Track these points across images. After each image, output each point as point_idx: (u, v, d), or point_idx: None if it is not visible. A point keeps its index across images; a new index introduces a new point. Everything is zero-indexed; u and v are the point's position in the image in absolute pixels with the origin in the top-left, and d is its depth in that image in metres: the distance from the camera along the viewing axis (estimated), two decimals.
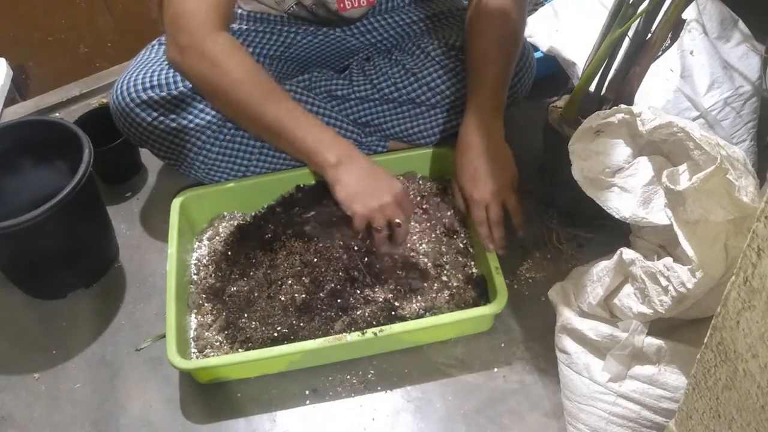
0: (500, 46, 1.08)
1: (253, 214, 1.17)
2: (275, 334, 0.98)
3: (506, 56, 1.08)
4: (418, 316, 1.00)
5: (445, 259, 1.07)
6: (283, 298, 1.02)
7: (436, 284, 1.04)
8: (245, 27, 1.17)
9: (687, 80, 1.12)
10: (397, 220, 0.99)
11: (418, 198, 1.16)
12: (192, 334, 1.02)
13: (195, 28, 0.97)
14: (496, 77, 1.07)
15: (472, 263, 1.08)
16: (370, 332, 0.95)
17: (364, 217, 0.98)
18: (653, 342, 0.83)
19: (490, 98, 1.06)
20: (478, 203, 1.03)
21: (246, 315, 1.01)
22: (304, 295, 1.01)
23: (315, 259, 1.05)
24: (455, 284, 1.04)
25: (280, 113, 0.99)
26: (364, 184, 0.98)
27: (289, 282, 1.03)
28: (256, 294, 1.03)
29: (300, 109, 1.01)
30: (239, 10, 1.18)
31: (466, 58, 1.12)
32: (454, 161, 1.08)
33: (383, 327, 0.96)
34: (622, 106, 0.89)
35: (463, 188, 1.06)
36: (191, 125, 1.10)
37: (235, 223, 1.16)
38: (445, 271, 1.06)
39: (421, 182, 1.19)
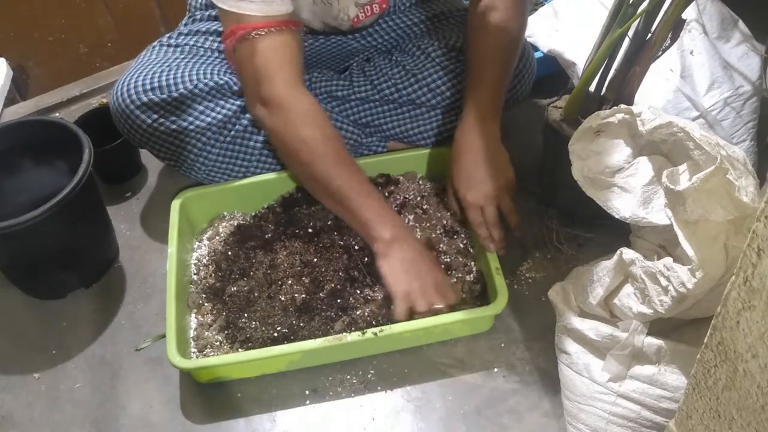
0: (500, 49, 1.08)
1: (253, 214, 1.17)
2: (275, 334, 0.98)
3: (506, 59, 1.08)
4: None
5: (445, 259, 1.07)
6: (283, 298, 1.02)
7: None
8: None
9: (687, 80, 1.12)
10: (438, 306, 0.97)
11: (419, 198, 1.16)
12: (192, 333, 1.02)
13: (280, 79, 0.99)
14: (495, 79, 1.07)
15: (472, 263, 1.07)
16: (370, 332, 0.95)
17: (405, 298, 0.96)
18: (653, 342, 0.83)
19: (488, 100, 1.06)
20: (473, 206, 1.03)
21: (246, 315, 1.01)
22: (304, 295, 1.01)
23: (315, 259, 1.05)
24: (455, 284, 1.04)
25: (348, 182, 1.00)
26: (409, 266, 0.98)
27: (289, 282, 1.03)
28: (256, 294, 1.03)
29: (368, 182, 1.03)
30: None
31: (466, 59, 1.12)
32: (449, 163, 1.08)
33: (383, 327, 0.96)
34: (622, 106, 0.89)
35: (457, 190, 1.05)
36: (191, 127, 1.10)
37: (235, 223, 1.16)
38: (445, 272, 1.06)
39: (421, 182, 1.19)
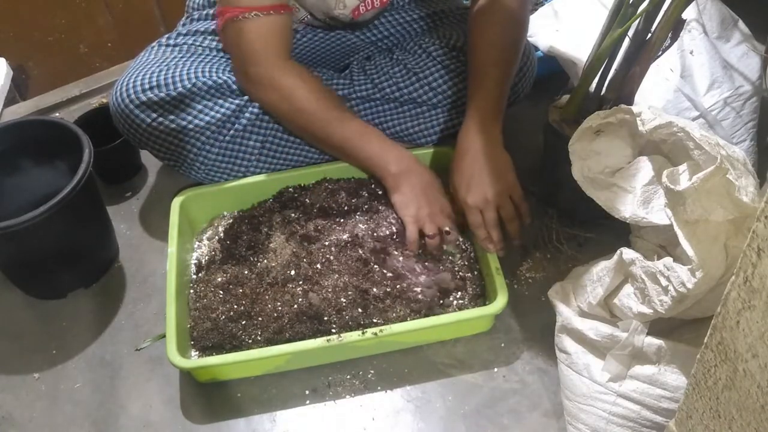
0: (503, 51, 1.07)
1: (253, 213, 1.17)
2: (275, 334, 0.98)
3: (508, 61, 1.08)
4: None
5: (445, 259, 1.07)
6: (283, 298, 1.01)
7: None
8: None
9: (687, 80, 1.12)
10: (447, 228, 1.05)
11: None
12: (192, 333, 1.02)
13: (264, 59, 1.06)
14: (498, 82, 1.06)
15: (473, 263, 1.07)
16: (370, 332, 0.95)
17: (415, 221, 1.05)
18: (653, 342, 0.83)
19: (491, 103, 1.05)
20: (472, 209, 1.03)
21: (246, 314, 1.01)
22: (304, 295, 1.01)
23: (315, 259, 1.05)
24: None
25: (345, 134, 1.08)
26: (419, 193, 1.06)
27: (290, 281, 1.03)
28: (256, 293, 1.03)
29: (366, 126, 1.11)
30: None
31: (468, 60, 1.11)
32: (451, 165, 1.08)
33: (383, 327, 0.96)
34: (622, 106, 0.89)
35: (457, 192, 1.05)
36: (191, 126, 1.10)
37: (236, 223, 1.15)
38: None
39: None
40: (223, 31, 1.08)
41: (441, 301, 1.01)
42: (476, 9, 1.09)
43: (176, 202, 1.13)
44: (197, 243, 1.15)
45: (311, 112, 1.07)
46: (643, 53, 0.95)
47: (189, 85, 1.07)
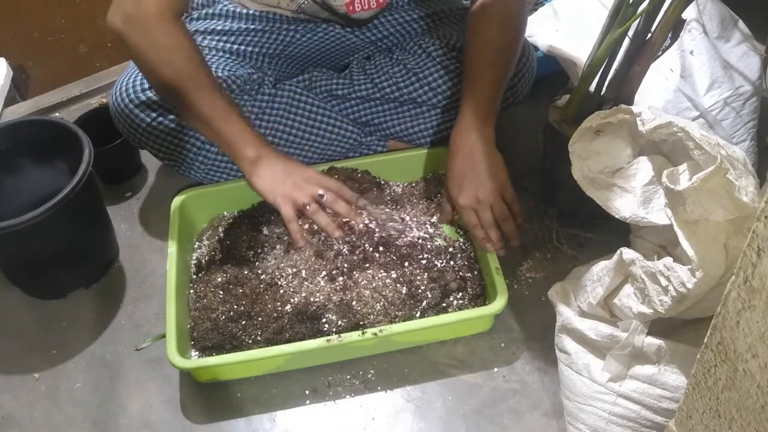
0: (499, 52, 1.07)
1: (253, 213, 1.17)
2: (275, 334, 0.98)
3: (504, 62, 1.08)
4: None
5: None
6: (283, 298, 1.01)
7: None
8: (250, 27, 1.17)
9: (687, 80, 1.12)
10: (320, 192, 1.00)
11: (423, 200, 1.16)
12: (192, 333, 1.02)
13: (144, 6, 0.95)
14: (492, 83, 1.06)
15: (473, 263, 1.07)
16: (370, 332, 0.95)
17: (285, 198, 0.99)
18: (653, 342, 0.83)
19: (484, 103, 1.05)
20: (465, 208, 1.02)
21: (246, 315, 1.01)
22: (304, 294, 1.01)
23: (315, 258, 1.05)
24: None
25: (211, 106, 0.99)
26: (280, 174, 1.01)
27: (290, 281, 1.03)
28: (256, 293, 1.03)
29: (232, 107, 1.02)
30: (243, 10, 1.18)
31: (464, 60, 1.11)
32: (446, 166, 1.07)
33: (383, 327, 0.96)
34: (622, 106, 0.89)
35: (449, 192, 1.05)
36: None
37: (236, 223, 1.15)
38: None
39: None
40: None
41: (443, 302, 1.01)
42: (474, 9, 1.09)
43: (176, 202, 1.13)
44: (197, 243, 1.15)
45: (180, 73, 0.97)
46: (643, 53, 0.95)
47: None
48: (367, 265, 1.03)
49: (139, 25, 0.95)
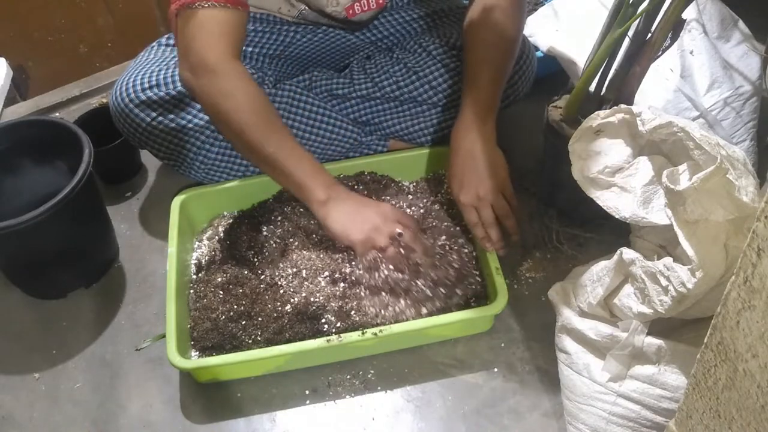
0: (497, 50, 1.07)
1: (253, 213, 1.17)
2: (275, 334, 0.98)
3: (503, 60, 1.08)
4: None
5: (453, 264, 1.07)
6: (283, 298, 1.01)
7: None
8: (250, 27, 1.17)
9: (687, 80, 1.12)
10: (398, 231, 0.99)
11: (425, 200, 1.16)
12: (192, 333, 1.02)
13: (212, 53, 0.97)
14: (491, 81, 1.06)
15: (473, 263, 1.07)
16: (370, 332, 0.95)
17: (364, 242, 0.98)
18: (653, 342, 0.83)
19: (483, 101, 1.05)
20: (466, 206, 1.02)
21: (246, 315, 1.01)
22: (304, 294, 1.01)
23: (315, 258, 1.05)
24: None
25: (279, 147, 0.99)
26: (354, 213, 1.00)
27: (290, 281, 1.03)
28: (256, 294, 1.03)
29: (299, 147, 1.02)
30: None
31: (463, 59, 1.11)
32: (447, 164, 1.07)
33: (383, 327, 0.96)
34: (622, 106, 0.89)
35: (451, 190, 1.05)
36: (190, 125, 1.10)
37: (236, 223, 1.15)
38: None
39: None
40: (177, 16, 1.00)
41: (446, 302, 1.01)
42: (473, 7, 1.09)
43: (176, 202, 1.13)
44: (197, 243, 1.15)
45: (249, 117, 0.99)
46: (643, 53, 0.95)
47: None
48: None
49: (205, 74, 0.97)
